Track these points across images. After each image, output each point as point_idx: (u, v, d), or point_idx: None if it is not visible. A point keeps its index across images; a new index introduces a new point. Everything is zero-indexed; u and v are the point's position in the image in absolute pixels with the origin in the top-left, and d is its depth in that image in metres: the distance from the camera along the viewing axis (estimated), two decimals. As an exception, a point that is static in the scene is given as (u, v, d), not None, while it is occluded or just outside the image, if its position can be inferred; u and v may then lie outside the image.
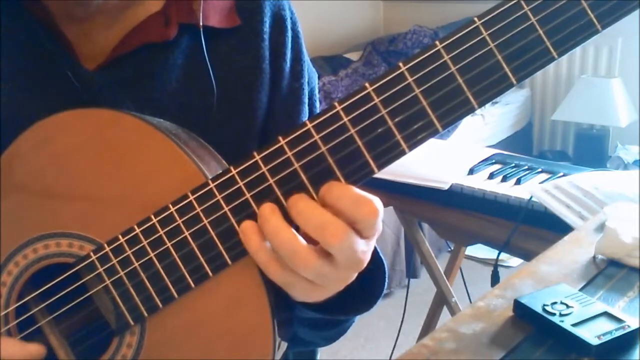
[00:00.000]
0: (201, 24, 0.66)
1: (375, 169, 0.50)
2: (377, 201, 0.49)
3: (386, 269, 0.64)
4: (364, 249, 0.51)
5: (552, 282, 0.79)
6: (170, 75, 0.67)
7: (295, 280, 0.51)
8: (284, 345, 0.62)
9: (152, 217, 0.54)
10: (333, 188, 0.50)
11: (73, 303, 0.57)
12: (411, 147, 0.50)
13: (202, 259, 0.53)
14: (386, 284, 0.64)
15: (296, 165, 0.51)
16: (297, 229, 0.50)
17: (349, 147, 0.50)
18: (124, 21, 0.66)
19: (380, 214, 0.49)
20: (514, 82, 0.48)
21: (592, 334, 0.66)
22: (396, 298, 2.55)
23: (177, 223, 0.53)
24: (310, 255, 0.49)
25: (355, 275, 0.53)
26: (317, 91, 0.77)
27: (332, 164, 0.50)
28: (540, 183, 1.56)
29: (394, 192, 1.69)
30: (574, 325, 0.68)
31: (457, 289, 2.03)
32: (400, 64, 0.49)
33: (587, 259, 0.86)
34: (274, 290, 0.54)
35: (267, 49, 0.70)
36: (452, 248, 2.12)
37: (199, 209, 0.53)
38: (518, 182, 1.62)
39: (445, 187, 1.64)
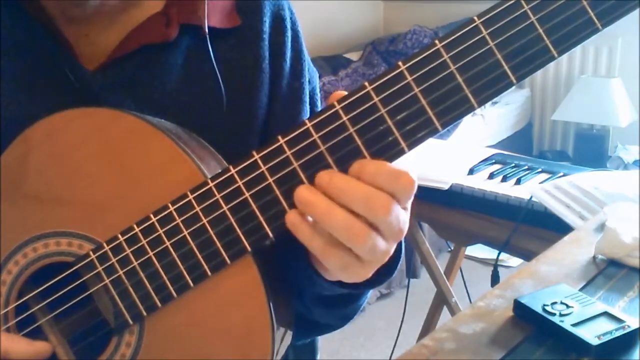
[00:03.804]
0: (206, 26, 0.66)
1: (375, 168, 0.50)
2: (411, 172, 0.49)
3: (402, 242, 0.63)
4: (405, 218, 0.51)
5: (552, 282, 0.79)
6: (170, 76, 0.67)
7: (351, 260, 0.51)
8: (286, 342, 0.62)
9: (152, 216, 0.54)
10: (366, 166, 0.49)
11: (72, 302, 0.57)
12: (410, 146, 0.50)
13: (200, 258, 0.53)
14: (403, 251, 0.63)
15: (295, 164, 0.51)
16: None
17: (348, 146, 0.50)
18: (123, 22, 0.66)
19: (416, 183, 0.50)
20: (514, 81, 0.48)
21: (592, 334, 0.66)
22: (396, 298, 2.55)
23: (176, 222, 0.53)
24: (365, 229, 0.49)
25: (394, 246, 0.54)
26: (318, 90, 0.77)
27: (331, 162, 0.50)
28: (540, 183, 1.56)
29: (394, 192, 1.69)
30: (574, 325, 0.68)
31: (457, 289, 2.03)
32: (400, 63, 0.49)
33: (587, 259, 0.86)
34: (273, 291, 0.54)
35: (267, 48, 0.70)
36: (452, 248, 2.12)
37: (198, 208, 0.53)
38: (518, 182, 1.62)
39: (445, 187, 1.64)
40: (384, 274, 0.59)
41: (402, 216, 0.50)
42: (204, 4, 0.66)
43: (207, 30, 0.66)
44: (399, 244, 0.61)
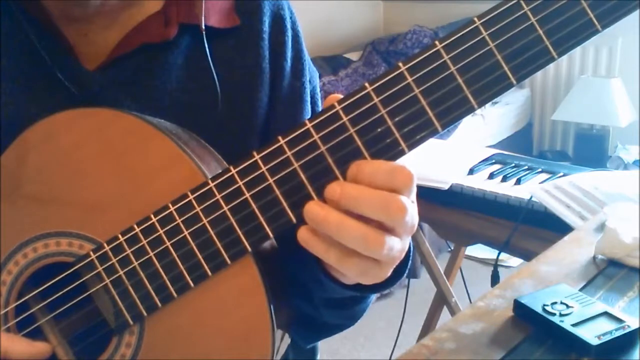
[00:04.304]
0: (203, 25, 0.66)
1: (375, 169, 0.50)
2: (408, 166, 0.49)
3: (410, 241, 0.63)
4: (416, 212, 0.51)
5: (552, 282, 0.79)
6: (170, 75, 0.67)
7: (369, 265, 0.51)
8: (286, 341, 0.62)
9: (152, 216, 0.54)
10: (363, 166, 0.49)
11: (73, 302, 0.57)
12: (411, 146, 0.50)
13: (201, 258, 0.53)
14: (411, 256, 0.63)
15: (295, 164, 0.51)
16: None
17: (348, 146, 0.50)
18: (123, 21, 0.66)
19: (415, 176, 0.50)
20: (514, 82, 0.48)
21: (592, 334, 0.66)
22: (396, 298, 2.55)
23: (176, 222, 0.53)
24: (380, 235, 0.49)
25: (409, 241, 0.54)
26: (318, 90, 0.77)
27: (331, 163, 0.50)
28: (540, 183, 1.56)
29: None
30: (574, 325, 0.68)
31: (457, 289, 2.03)
32: (400, 64, 0.49)
33: (587, 259, 0.86)
34: (274, 292, 0.54)
35: (267, 48, 0.70)
36: (452, 248, 2.12)
37: (198, 209, 0.53)
38: (518, 182, 1.62)
39: (445, 187, 1.64)
40: (399, 272, 0.59)
41: (414, 212, 0.51)
42: (202, 2, 0.66)
43: (203, 27, 0.66)
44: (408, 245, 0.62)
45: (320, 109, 0.75)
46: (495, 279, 1.57)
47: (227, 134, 0.68)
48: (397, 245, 0.51)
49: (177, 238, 0.54)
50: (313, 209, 0.50)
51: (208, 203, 0.53)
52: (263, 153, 0.51)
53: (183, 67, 0.67)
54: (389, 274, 0.54)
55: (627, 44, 3.21)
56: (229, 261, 0.53)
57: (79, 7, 0.64)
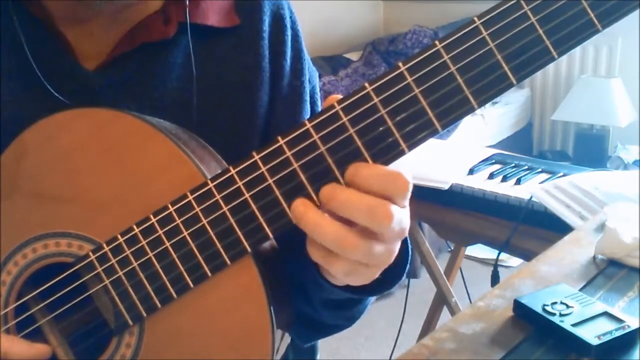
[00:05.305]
0: (188, 21, 0.66)
1: (375, 169, 0.50)
2: (405, 172, 0.49)
3: (409, 244, 0.63)
4: (406, 219, 0.51)
5: (552, 282, 0.79)
6: (170, 74, 0.67)
7: (352, 265, 0.51)
8: (286, 340, 0.62)
9: (151, 216, 0.54)
10: (360, 170, 0.49)
11: (72, 302, 0.57)
12: (411, 146, 0.50)
13: (200, 259, 0.53)
14: (409, 258, 0.63)
15: (295, 165, 0.51)
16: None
17: (348, 147, 0.50)
18: (124, 21, 0.66)
19: (411, 182, 0.50)
20: (514, 81, 0.48)
21: (592, 334, 0.66)
22: (396, 298, 2.54)
23: (176, 223, 0.53)
24: (355, 239, 0.49)
25: (399, 244, 0.54)
26: (318, 89, 0.77)
27: (331, 163, 0.50)
28: (540, 183, 1.56)
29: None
30: (574, 325, 0.68)
31: (457, 289, 2.03)
32: (400, 64, 0.49)
33: (587, 259, 0.86)
34: (273, 292, 0.54)
35: (266, 47, 0.70)
36: (452, 248, 2.12)
37: (198, 209, 0.53)
38: (518, 182, 1.62)
39: (445, 187, 1.64)
40: (396, 275, 0.59)
41: (403, 218, 0.50)
42: (197, 2, 0.66)
43: (189, 25, 0.65)
44: (406, 247, 0.62)
45: (319, 108, 0.75)
46: (495, 279, 1.57)
47: (227, 133, 0.68)
48: (379, 250, 0.51)
49: (177, 239, 0.53)
50: (295, 205, 0.50)
51: (208, 203, 0.53)
52: (263, 153, 0.51)
53: (183, 66, 0.67)
54: (376, 275, 0.54)
55: (627, 44, 3.21)
56: (228, 262, 0.53)
57: (84, 7, 0.64)
